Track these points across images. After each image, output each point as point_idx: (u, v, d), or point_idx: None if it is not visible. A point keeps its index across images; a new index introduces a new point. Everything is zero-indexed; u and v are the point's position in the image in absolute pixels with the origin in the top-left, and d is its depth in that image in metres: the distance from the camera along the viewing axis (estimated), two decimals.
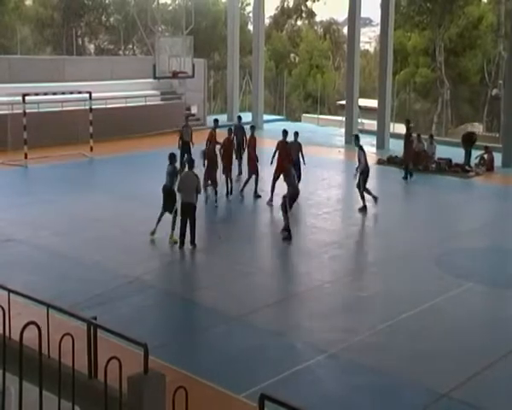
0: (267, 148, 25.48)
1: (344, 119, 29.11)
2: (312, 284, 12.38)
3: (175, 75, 24.70)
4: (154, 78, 24.80)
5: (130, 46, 47.71)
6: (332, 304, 11.58)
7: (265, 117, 32.56)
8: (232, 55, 32.39)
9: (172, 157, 14.44)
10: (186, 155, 19.42)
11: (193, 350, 9.63)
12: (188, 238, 13.66)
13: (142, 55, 43.00)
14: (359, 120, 29.67)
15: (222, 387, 8.48)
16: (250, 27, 41.76)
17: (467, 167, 22.66)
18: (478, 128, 35.88)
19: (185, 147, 19.98)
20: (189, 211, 13.50)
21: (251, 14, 40.93)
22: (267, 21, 45.23)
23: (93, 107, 23.42)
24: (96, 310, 9.30)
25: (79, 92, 23.62)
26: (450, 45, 39.79)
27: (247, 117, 32.27)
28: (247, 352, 9.65)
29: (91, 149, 23.09)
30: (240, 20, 34.15)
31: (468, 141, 23.54)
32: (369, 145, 27.23)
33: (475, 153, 23.25)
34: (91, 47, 48.58)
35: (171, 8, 47.43)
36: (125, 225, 15.39)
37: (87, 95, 23.08)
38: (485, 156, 23.07)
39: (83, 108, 24.00)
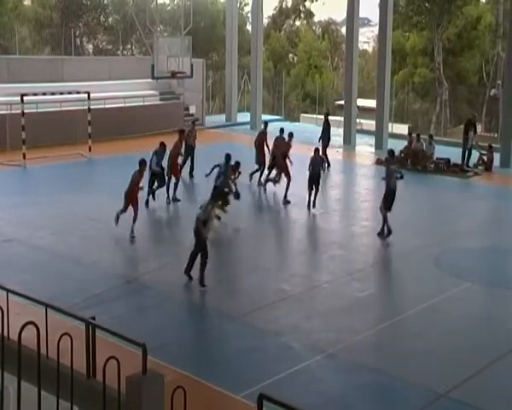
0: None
1: (342, 119, 29.11)
2: (311, 284, 12.37)
3: (173, 75, 24.69)
4: (153, 78, 24.77)
5: (129, 46, 47.68)
6: (331, 304, 11.58)
7: (264, 117, 32.53)
8: (230, 55, 32.36)
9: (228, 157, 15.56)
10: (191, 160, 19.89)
11: (192, 350, 9.63)
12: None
13: (140, 55, 42.97)
14: (358, 120, 29.66)
15: (220, 387, 8.48)
16: (248, 27, 41.75)
17: (465, 167, 22.69)
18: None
19: (189, 151, 20.01)
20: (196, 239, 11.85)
21: (249, 14, 40.92)
22: (265, 21, 45.24)
23: (91, 107, 23.39)
24: (95, 310, 9.29)
25: (78, 92, 23.59)
26: (449, 45, 39.79)
27: (245, 117, 32.35)
28: (245, 352, 9.65)
29: (90, 149, 23.07)
30: (238, 20, 34.12)
31: (472, 123, 23.74)
32: (367, 145, 27.31)
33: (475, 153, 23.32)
34: (90, 47, 48.53)
35: (169, 8, 47.41)
36: (123, 225, 15.37)
37: (85, 95, 23.07)
38: (485, 157, 23.10)
39: (81, 108, 23.96)
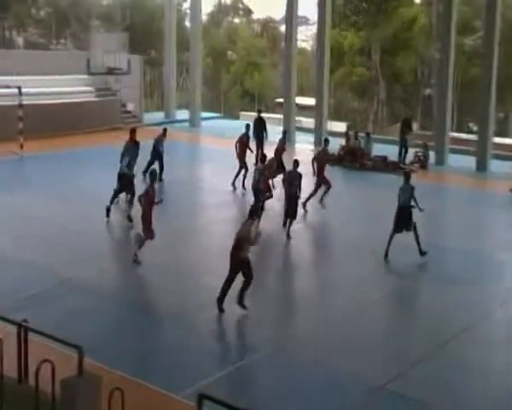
0: (205, 145, 25.33)
1: (282, 116, 29.22)
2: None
3: (110, 71, 24.20)
4: (88, 73, 24.20)
5: (63, 40, 46.39)
6: (268, 300, 11.54)
7: (203, 114, 32.36)
8: (169, 51, 31.99)
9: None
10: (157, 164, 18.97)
11: (131, 351, 9.40)
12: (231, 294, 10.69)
13: (75, 49, 41.90)
14: (297, 118, 29.84)
15: (160, 387, 8.31)
16: (187, 24, 41.37)
17: (402, 165, 23.13)
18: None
19: (157, 156, 19.39)
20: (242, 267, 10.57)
21: (188, 11, 40.56)
22: (204, 18, 44.91)
23: (24, 103, 22.57)
24: (29, 312, 8.92)
25: (8, 87, 22.71)
26: (385, 45, 40.57)
27: (184, 114, 32.03)
28: (186, 352, 9.50)
29: (21, 146, 22.26)
30: (177, 17, 33.77)
31: (407, 124, 24.21)
32: (306, 143, 27.52)
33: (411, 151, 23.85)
34: (20, 40, 46.87)
35: (105, 2, 46.42)
36: (57, 223, 14.92)
37: (16, 90, 22.21)
38: (421, 154, 23.65)
39: (12, 103, 23.10)
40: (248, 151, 19.48)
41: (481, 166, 23.38)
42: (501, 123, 36.47)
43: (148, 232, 12.46)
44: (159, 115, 32.75)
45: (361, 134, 24.53)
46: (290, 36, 28.06)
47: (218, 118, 34.80)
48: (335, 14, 34.76)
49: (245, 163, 19.01)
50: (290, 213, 14.53)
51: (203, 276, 12.45)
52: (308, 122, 30.40)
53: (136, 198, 13.55)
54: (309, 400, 8.37)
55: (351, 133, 24.49)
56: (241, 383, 8.61)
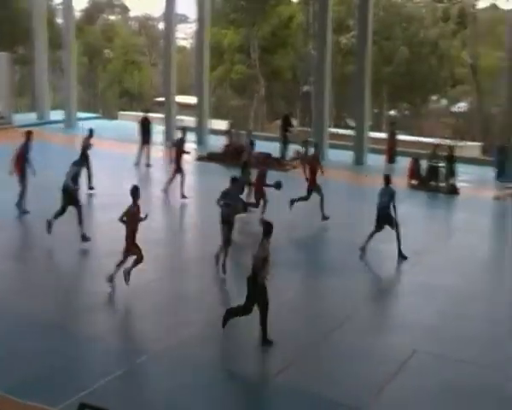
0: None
1: (162, 116, 28.72)
2: (134, 283, 11.79)
3: None
4: None
5: None
6: (154, 303, 11.14)
7: (79, 115, 31.10)
8: (39, 49, 30.45)
9: None
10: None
11: (2, 366, 8.67)
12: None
13: None
14: (178, 117, 29.44)
15: (37, 401, 7.69)
16: (59, 20, 39.68)
17: (283, 161, 23.43)
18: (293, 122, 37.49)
19: (86, 161, 18.11)
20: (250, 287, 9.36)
21: (59, 7, 38.89)
22: (78, 15, 43.36)
23: None
24: None
25: None
26: (264, 43, 41.10)
27: (59, 115, 30.59)
28: (65, 361, 8.93)
29: None
30: (47, 12, 32.22)
31: (287, 121, 24.53)
32: (188, 142, 27.20)
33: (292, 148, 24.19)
34: None
35: None
36: None
37: None
38: (302, 150, 24.05)
39: None
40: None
41: (359, 160, 24.18)
42: (378, 118, 38.08)
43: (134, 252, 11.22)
44: (31, 116, 31.08)
45: (242, 132, 24.59)
46: (169, 34, 27.66)
47: (95, 118, 33.60)
48: (215, 11, 34.75)
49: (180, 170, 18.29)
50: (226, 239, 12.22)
51: (82, 280, 11.83)
52: (189, 121, 30.10)
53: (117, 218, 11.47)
54: (195, 399, 8.13)
55: (233, 131, 24.46)
56: (125, 388, 8.21)
